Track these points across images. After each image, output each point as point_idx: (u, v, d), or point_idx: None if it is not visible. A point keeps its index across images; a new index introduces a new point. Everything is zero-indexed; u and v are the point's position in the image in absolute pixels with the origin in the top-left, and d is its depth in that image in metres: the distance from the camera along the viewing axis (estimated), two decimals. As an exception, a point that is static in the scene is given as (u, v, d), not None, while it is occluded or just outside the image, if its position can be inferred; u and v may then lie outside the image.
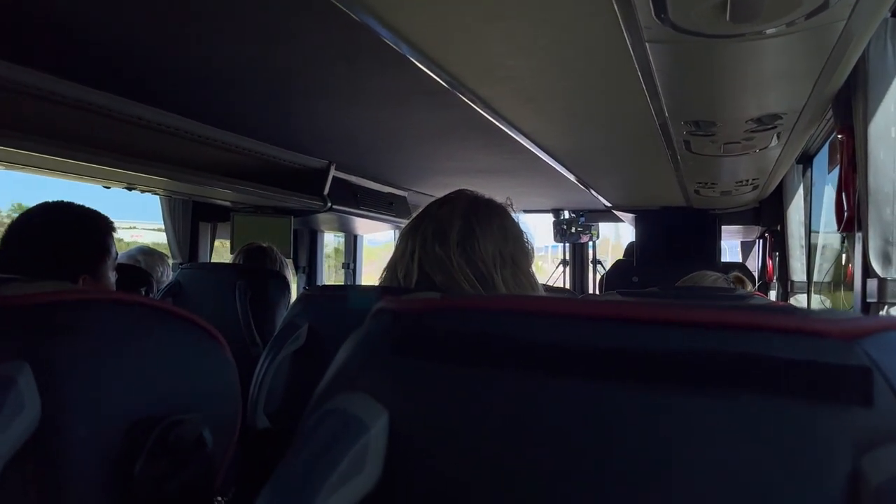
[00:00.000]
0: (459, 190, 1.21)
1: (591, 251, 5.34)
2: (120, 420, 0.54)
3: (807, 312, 0.41)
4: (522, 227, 1.20)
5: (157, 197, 3.01)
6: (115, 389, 0.55)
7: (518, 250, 1.15)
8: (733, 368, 0.39)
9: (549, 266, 5.60)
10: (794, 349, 0.39)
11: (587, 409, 0.41)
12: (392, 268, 1.17)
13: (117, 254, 1.62)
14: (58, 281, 1.40)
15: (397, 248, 1.18)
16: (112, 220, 1.61)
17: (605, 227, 5.21)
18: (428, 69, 1.34)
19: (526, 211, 4.89)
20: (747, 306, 0.47)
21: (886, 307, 1.50)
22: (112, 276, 1.59)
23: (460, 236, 1.11)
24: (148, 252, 2.89)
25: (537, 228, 5.24)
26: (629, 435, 0.40)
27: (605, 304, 0.43)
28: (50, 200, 1.53)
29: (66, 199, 1.55)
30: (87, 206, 1.56)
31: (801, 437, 0.37)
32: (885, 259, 1.50)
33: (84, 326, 0.55)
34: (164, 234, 3.18)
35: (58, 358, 0.52)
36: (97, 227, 1.56)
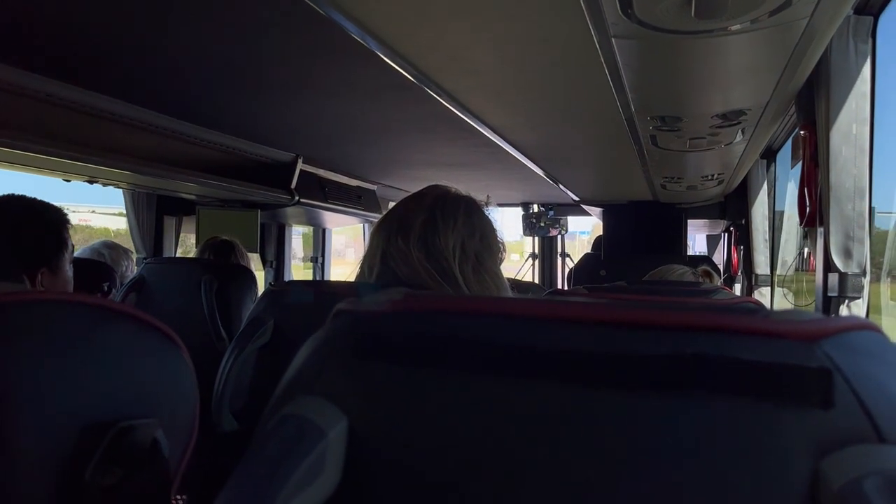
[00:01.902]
0: (433, 185, 1.21)
1: (559, 245, 5.36)
2: (68, 426, 0.52)
3: (768, 313, 0.41)
4: (494, 224, 1.20)
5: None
6: (63, 394, 0.53)
7: (484, 247, 1.15)
8: (694, 370, 0.39)
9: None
10: (754, 351, 0.38)
11: (552, 413, 0.41)
12: (363, 262, 1.17)
13: (73, 246, 1.58)
14: (15, 278, 1.38)
15: (368, 242, 1.18)
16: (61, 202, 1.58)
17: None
18: (394, 63, 1.33)
19: (497, 204, 4.89)
20: (711, 305, 0.47)
21: (847, 301, 1.53)
22: (69, 269, 1.56)
23: (422, 230, 1.11)
24: (112, 246, 2.83)
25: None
26: (593, 437, 0.40)
27: (568, 306, 0.43)
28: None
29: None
30: (38, 198, 1.52)
31: (761, 438, 0.37)
32: (846, 254, 1.52)
33: (29, 329, 0.52)
34: (120, 218, 3.12)
35: (1, 362, 0.50)
36: (53, 219, 1.53)
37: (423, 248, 1.10)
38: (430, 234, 1.11)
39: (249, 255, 2.84)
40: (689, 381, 0.39)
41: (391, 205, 1.22)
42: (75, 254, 1.71)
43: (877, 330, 0.42)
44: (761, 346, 0.38)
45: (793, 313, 0.41)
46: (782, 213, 3.40)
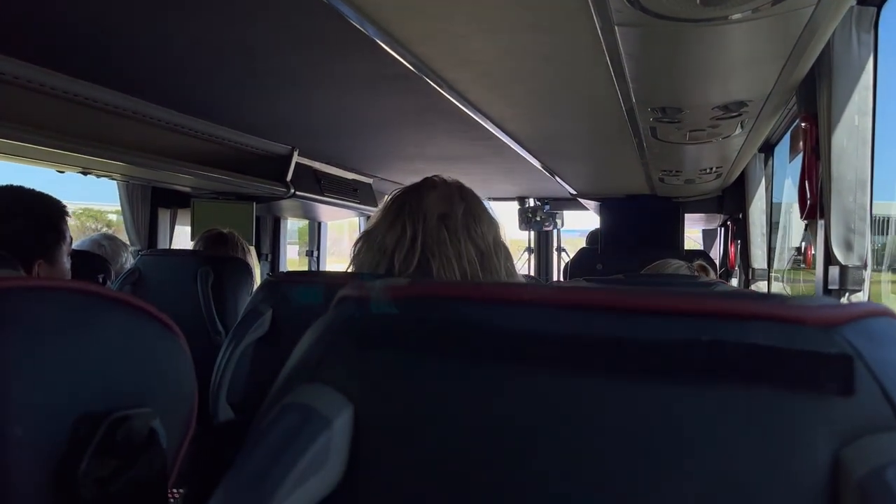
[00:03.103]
0: (434, 176, 1.20)
1: (555, 239, 5.36)
2: (62, 416, 0.51)
3: (784, 298, 0.40)
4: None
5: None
6: (57, 382, 0.51)
7: (502, 237, 1.18)
8: (710, 357, 0.38)
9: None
10: (772, 337, 0.37)
11: (561, 400, 0.40)
12: (383, 252, 1.12)
13: (71, 239, 1.58)
14: (11, 269, 1.37)
15: (389, 233, 1.13)
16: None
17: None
18: (393, 51, 1.32)
19: (491, 199, 4.89)
20: (719, 293, 0.46)
21: (848, 294, 1.52)
22: (67, 262, 1.55)
23: (465, 219, 1.11)
24: (112, 238, 2.84)
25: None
26: (605, 425, 0.39)
27: (579, 292, 0.42)
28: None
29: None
30: (38, 189, 1.52)
31: (779, 427, 0.36)
32: (847, 246, 1.52)
33: (22, 316, 0.51)
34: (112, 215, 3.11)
35: (-6, 350, 0.49)
36: (51, 211, 1.52)
37: (469, 238, 1.10)
38: (473, 224, 1.12)
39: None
40: (705, 367, 0.38)
41: (388, 199, 1.20)
42: (73, 245, 1.70)
43: (895, 316, 0.41)
44: (779, 332, 0.37)
45: (810, 299, 0.40)
46: (780, 206, 3.40)
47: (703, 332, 0.38)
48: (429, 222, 1.10)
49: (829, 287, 1.57)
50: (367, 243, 1.16)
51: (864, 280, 1.52)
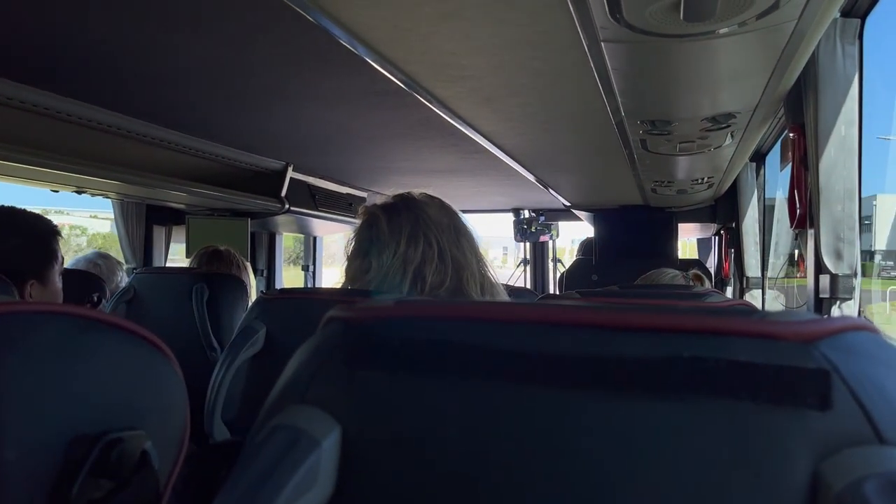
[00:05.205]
0: (410, 192, 1.20)
1: (551, 250, 5.36)
2: (55, 440, 0.51)
3: (763, 314, 0.41)
4: None
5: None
6: (49, 406, 0.52)
7: None
8: (690, 373, 0.38)
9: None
10: (750, 352, 0.38)
11: (547, 418, 0.40)
12: (405, 265, 1.10)
13: (63, 258, 1.58)
14: (4, 290, 1.37)
15: (410, 246, 1.11)
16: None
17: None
18: (383, 69, 1.33)
19: (486, 211, 4.90)
20: (705, 307, 0.47)
21: (838, 302, 1.53)
22: (59, 281, 1.55)
23: (465, 231, 1.12)
24: (107, 256, 2.83)
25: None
26: (589, 441, 0.39)
27: (561, 311, 0.42)
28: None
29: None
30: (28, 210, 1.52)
31: (759, 441, 0.37)
32: (837, 255, 1.53)
33: (13, 340, 0.52)
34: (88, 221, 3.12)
35: (-15, 375, 0.49)
36: (42, 231, 1.52)
37: (474, 253, 1.11)
38: (468, 240, 1.12)
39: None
40: (686, 384, 0.38)
41: (380, 212, 1.19)
42: (68, 264, 1.70)
43: (874, 330, 0.41)
44: (758, 348, 0.38)
45: (789, 314, 0.41)
46: (773, 215, 3.41)
47: (685, 349, 0.39)
48: (449, 235, 1.10)
49: (821, 295, 1.59)
50: (380, 256, 1.13)
51: (854, 288, 1.53)
